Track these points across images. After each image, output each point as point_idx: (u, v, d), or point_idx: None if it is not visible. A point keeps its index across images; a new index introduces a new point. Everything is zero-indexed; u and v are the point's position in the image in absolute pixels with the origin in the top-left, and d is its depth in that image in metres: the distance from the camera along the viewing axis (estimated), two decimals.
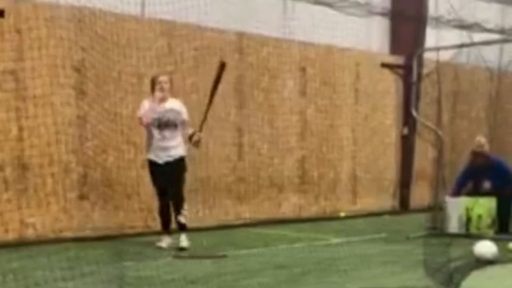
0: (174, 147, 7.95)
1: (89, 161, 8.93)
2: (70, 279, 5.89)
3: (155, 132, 7.90)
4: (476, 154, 9.74)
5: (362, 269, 6.76)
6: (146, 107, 7.95)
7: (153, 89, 8.00)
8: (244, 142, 10.83)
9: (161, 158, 7.93)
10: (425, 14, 12.85)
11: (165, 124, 7.88)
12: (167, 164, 7.91)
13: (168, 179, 7.91)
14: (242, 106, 10.81)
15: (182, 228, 7.99)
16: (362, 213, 12.16)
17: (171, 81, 8.14)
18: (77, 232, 8.77)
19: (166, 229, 8.14)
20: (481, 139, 9.94)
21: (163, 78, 8.03)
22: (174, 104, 8.02)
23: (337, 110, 12.17)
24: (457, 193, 9.72)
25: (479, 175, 9.72)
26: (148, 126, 7.96)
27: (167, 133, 7.90)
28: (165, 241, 8.08)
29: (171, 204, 8.01)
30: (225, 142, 10.54)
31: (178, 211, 7.96)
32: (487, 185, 9.66)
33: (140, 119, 8.03)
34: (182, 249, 7.82)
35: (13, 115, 8.32)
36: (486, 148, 9.83)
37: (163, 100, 7.93)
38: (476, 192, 9.64)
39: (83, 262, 6.66)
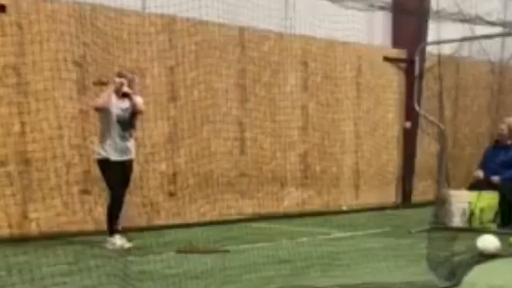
0: (130, 148, 7.91)
1: (92, 155, 8.92)
2: (75, 273, 5.91)
3: (118, 130, 7.72)
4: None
5: (364, 263, 6.76)
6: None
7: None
8: (246, 136, 10.83)
9: (122, 157, 7.78)
10: (427, 8, 12.82)
11: (126, 123, 7.77)
12: (125, 163, 7.82)
13: (125, 178, 7.84)
14: (244, 101, 10.80)
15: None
16: (365, 207, 12.16)
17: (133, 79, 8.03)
18: (80, 226, 8.78)
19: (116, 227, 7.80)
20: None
21: (128, 75, 7.95)
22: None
23: (339, 104, 12.16)
24: (483, 167, 9.82)
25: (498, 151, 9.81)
26: (105, 107, 7.70)
27: (127, 133, 7.81)
28: (120, 240, 7.71)
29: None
30: (227, 136, 10.53)
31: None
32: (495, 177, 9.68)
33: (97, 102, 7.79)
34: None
35: (15, 110, 8.32)
36: None
37: (124, 96, 7.81)
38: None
39: (87, 256, 6.68)
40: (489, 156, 9.93)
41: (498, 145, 9.96)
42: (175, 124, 9.93)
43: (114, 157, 7.73)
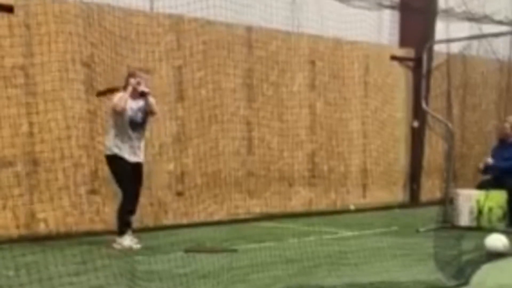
0: (140, 148, 7.87)
1: (100, 155, 8.93)
2: (83, 273, 5.93)
3: (128, 130, 7.72)
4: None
5: (372, 262, 6.76)
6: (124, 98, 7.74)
7: (127, 83, 7.82)
8: (253, 136, 10.84)
9: (132, 158, 7.76)
10: (434, 7, 12.79)
11: (136, 124, 7.76)
12: (136, 165, 7.80)
13: (137, 180, 7.82)
14: (252, 100, 10.81)
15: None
16: (372, 206, 12.14)
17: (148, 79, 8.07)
18: (88, 226, 8.81)
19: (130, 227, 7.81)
20: None
21: (143, 75, 7.97)
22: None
23: (347, 103, 12.15)
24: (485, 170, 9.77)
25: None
26: (123, 111, 7.68)
27: (136, 134, 7.78)
28: (130, 240, 7.70)
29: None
30: (234, 136, 10.54)
31: (135, 212, 7.84)
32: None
33: (117, 105, 7.69)
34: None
35: (23, 110, 8.35)
36: None
37: (135, 96, 7.77)
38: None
39: (94, 256, 6.70)
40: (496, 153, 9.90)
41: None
42: (183, 124, 9.95)
43: (127, 155, 7.72)
